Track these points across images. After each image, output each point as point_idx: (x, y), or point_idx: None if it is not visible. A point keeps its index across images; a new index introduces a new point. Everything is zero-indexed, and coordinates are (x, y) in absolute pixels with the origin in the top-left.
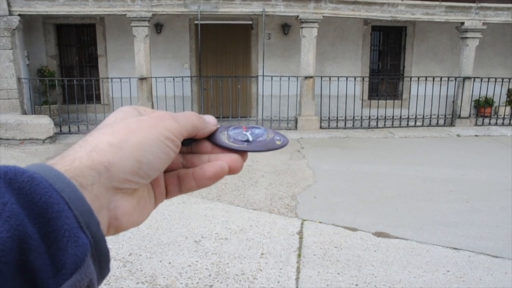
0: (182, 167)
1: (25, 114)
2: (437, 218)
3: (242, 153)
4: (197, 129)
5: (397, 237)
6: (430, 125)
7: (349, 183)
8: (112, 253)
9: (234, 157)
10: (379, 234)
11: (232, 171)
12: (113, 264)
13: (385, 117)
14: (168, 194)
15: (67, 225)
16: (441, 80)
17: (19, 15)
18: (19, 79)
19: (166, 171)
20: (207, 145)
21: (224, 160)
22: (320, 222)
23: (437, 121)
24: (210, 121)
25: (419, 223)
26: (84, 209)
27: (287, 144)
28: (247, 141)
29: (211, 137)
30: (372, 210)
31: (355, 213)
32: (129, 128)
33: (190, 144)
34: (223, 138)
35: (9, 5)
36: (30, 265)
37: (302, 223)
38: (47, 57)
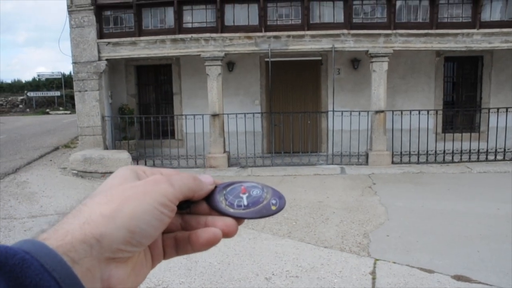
0: (180, 229)
1: (107, 149)
2: None
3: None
4: (194, 191)
5: (479, 282)
6: None
7: (424, 221)
8: (184, 287)
9: (228, 222)
10: (458, 278)
11: (226, 235)
12: None
13: (461, 151)
14: (165, 255)
15: None
16: None
17: (106, 59)
18: (103, 117)
19: (164, 232)
20: (204, 207)
21: (218, 225)
22: (394, 262)
23: None
24: (206, 181)
25: (505, 268)
26: (76, 287)
27: (283, 208)
28: (243, 205)
29: (208, 198)
30: (450, 251)
31: (431, 254)
32: (124, 195)
33: (188, 207)
34: (220, 199)
35: (99, 52)
36: None
37: (374, 263)
38: (128, 96)
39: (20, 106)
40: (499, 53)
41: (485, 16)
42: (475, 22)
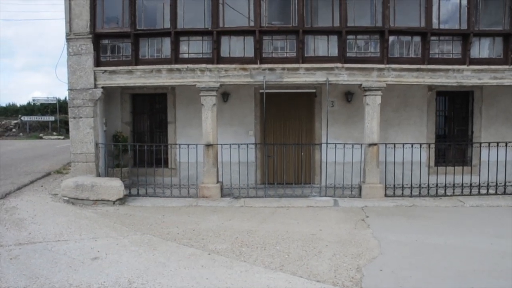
0: None
1: (99, 176)
2: None
3: None
4: None
5: None
6: (505, 193)
7: (417, 256)
8: None
9: None
10: None
11: None
12: None
13: (454, 184)
14: None
15: None
16: None
17: (102, 87)
18: (96, 144)
19: None
20: None
21: None
22: None
23: None
24: None
25: None
26: None
27: None
28: None
29: None
30: (444, 287)
31: None
32: None
33: None
34: None
35: (95, 79)
36: None
37: None
38: (122, 124)
39: (14, 130)
40: (489, 88)
41: (474, 53)
42: (465, 59)
